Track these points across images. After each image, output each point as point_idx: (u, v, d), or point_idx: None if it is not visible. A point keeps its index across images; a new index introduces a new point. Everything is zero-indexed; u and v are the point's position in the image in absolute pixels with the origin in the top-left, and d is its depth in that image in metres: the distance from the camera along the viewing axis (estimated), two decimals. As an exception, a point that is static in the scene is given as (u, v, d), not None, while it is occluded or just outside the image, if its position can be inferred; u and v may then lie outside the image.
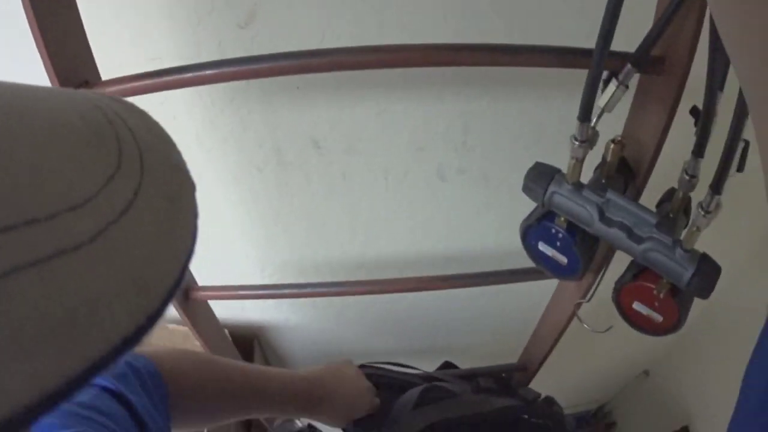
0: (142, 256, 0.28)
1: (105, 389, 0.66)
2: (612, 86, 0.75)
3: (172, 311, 1.14)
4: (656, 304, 0.89)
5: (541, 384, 1.47)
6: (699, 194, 0.79)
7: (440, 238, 1.51)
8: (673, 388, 2.30)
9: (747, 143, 0.70)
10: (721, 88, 0.70)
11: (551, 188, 0.83)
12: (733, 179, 0.73)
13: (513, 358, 1.53)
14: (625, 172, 0.89)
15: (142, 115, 0.37)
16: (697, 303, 0.89)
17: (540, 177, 0.84)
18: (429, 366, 1.50)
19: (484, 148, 1.26)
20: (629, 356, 2.40)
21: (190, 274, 1.16)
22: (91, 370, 0.25)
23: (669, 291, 0.86)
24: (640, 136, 0.86)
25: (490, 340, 2.00)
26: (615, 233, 0.82)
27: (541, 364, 1.41)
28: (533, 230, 0.92)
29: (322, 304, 1.75)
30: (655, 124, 0.83)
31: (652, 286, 0.87)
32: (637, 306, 0.92)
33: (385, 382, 1.26)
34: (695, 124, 0.74)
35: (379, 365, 1.31)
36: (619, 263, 0.96)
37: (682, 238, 0.79)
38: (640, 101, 0.87)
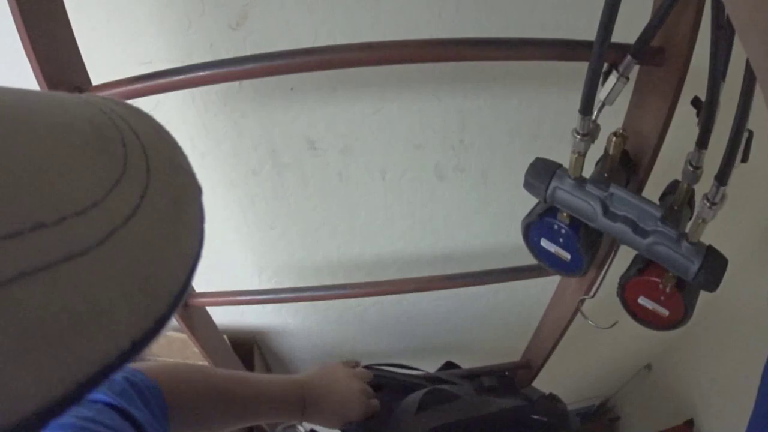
0: (149, 260, 0.28)
1: (108, 405, 0.66)
2: (612, 78, 0.74)
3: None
4: (662, 298, 0.88)
5: (544, 380, 1.47)
6: (699, 186, 0.79)
7: (439, 237, 1.50)
8: (676, 382, 2.29)
9: (751, 133, 0.69)
10: (723, 78, 0.69)
11: (553, 184, 0.82)
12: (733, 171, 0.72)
13: (515, 356, 1.52)
14: (626, 165, 0.87)
15: (148, 119, 0.37)
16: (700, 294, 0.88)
17: (541, 173, 0.83)
18: (431, 367, 1.49)
19: (481, 146, 1.25)
20: (631, 351, 2.39)
21: (188, 280, 1.14)
22: (101, 373, 0.25)
23: (675, 285, 0.85)
24: (642, 128, 0.85)
25: (492, 338, 1.99)
26: (619, 227, 0.81)
27: (544, 361, 1.40)
28: (535, 227, 0.91)
29: (321, 307, 1.73)
30: (657, 115, 0.82)
31: (658, 280, 0.86)
32: (642, 301, 0.91)
33: (388, 384, 1.25)
34: (697, 115, 0.73)
35: (381, 366, 1.30)
36: (620, 258, 0.96)
37: (687, 230, 0.78)
38: (640, 93, 0.86)
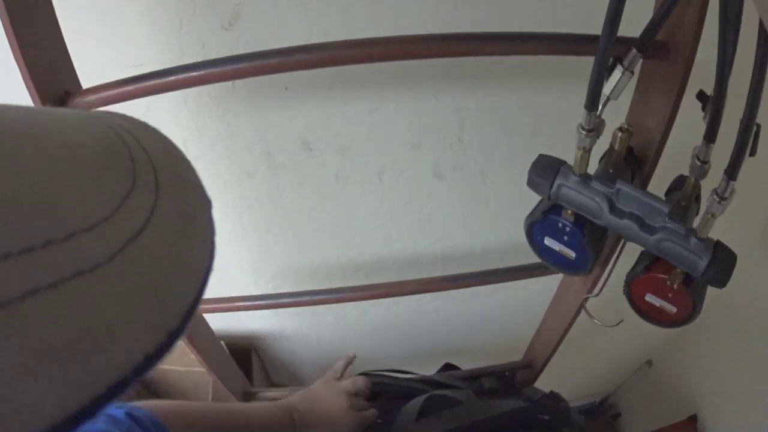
0: (160, 274, 0.29)
1: None
2: (617, 73, 0.72)
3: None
4: (670, 295, 0.87)
5: (544, 378, 1.46)
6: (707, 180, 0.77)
7: (438, 237, 1.48)
8: (678, 377, 2.29)
9: (758, 126, 0.68)
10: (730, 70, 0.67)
11: (558, 181, 0.80)
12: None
13: (517, 357, 1.51)
14: (630, 161, 0.86)
15: (155, 134, 0.37)
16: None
17: (546, 170, 0.81)
18: (431, 368, 1.48)
19: (480, 144, 1.24)
20: (632, 347, 2.39)
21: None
22: (115, 388, 0.25)
23: (682, 281, 0.84)
24: (646, 123, 0.84)
25: (493, 338, 1.98)
26: (626, 224, 0.79)
27: (546, 361, 1.39)
28: (539, 225, 0.89)
29: (319, 311, 1.72)
30: (662, 110, 0.81)
31: (665, 276, 0.84)
32: (649, 298, 0.89)
33: (386, 391, 1.24)
34: (703, 109, 0.72)
35: (379, 373, 1.29)
36: (623, 255, 0.94)
37: (694, 226, 0.77)
38: (645, 88, 0.84)
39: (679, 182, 0.86)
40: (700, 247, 0.76)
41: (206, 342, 1.27)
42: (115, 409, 0.76)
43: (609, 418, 2.76)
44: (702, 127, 0.72)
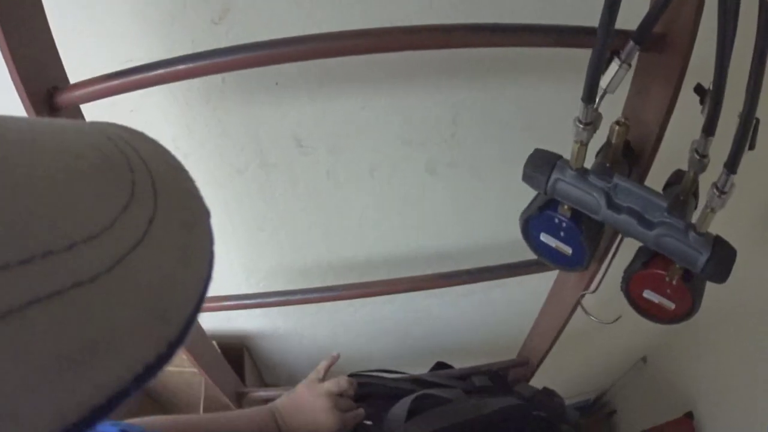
0: (160, 285, 0.29)
1: None
2: (614, 65, 0.71)
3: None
4: (668, 291, 0.86)
5: (537, 376, 1.46)
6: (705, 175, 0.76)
7: (432, 234, 1.48)
8: (673, 374, 2.29)
9: (757, 120, 0.67)
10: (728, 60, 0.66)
11: (554, 175, 0.79)
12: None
13: (512, 355, 1.51)
14: (627, 155, 0.85)
15: (154, 144, 0.37)
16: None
17: (542, 164, 0.80)
18: (425, 367, 1.47)
19: (474, 140, 1.22)
20: (626, 343, 2.39)
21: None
22: (115, 398, 0.25)
23: (681, 277, 0.83)
24: (643, 116, 0.83)
25: (487, 336, 1.98)
26: (624, 219, 0.78)
27: (542, 358, 1.38)
28: (535, 221, 0.89)
29: (312, 310, 1.71)
30: (659, 103, 0.80)
31: (664, 272, 0.84)
32: (648, 294, 0.89)
33: (375, 392, 1.24)
34: (701, 102, 0.71)
35: (368, 373, 1.28)
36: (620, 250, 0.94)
37: (694, 221, 0.76)
38: (642, 81, 0.83)
39: (676, 177, 0.86)
40: (700, 242, 0.76)
41: (198, 342, 1.26)
42: (110, 426, 0.76)
43: (604, 415, 2.77)
44: (696, 122, 0.71)
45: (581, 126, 0.73)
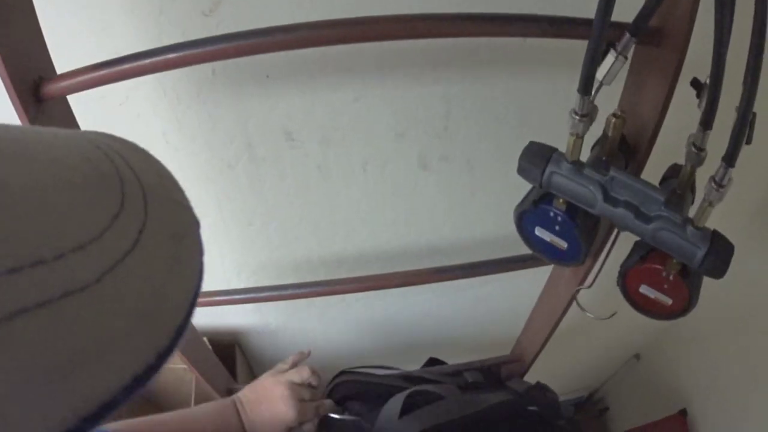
0: (149, 295, 0.29)
1: None
2: (610, 57, 0.70)
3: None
4: (665, 286, 0.86)
5: (531, 372, 1.46)
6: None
7: (424, 229, 1.47)
8: (666, 371, 2.30)
9: (754, 115, 0.66)
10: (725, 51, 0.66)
11: (549, 168, 0.78)
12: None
13: (505, 351, 1.50)
14: (623, 149, 0.84)
15: (144, 154, 0.38)
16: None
17: (537, 157, 0.79)
18: (418, 364, 1.47)
19: (467, 133, 1.22)
20: (619, 341, 2.40)
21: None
22: (104, 408, 0.25)
23: (678, 272, 0.82)
24: (640, 110, 0.83)
25: (481, 332, 1.97)
26: (621, 213, 0.77)
27: (536, 355, 1.38)
28: (529, 215, 0.88)
29: (303, 306, 1.70)
30: (655, 97, 0.79)
31: (661, 267, 0.83)
32: (644, 289, 0.88)
33: (368, 389, 1.24)
34: (697, 96, 0.70)
35: (360, 370, 1.27)
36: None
37: (692, 215, 0.75)
38: (638, 75, 0.83)
39: (673, 171, 0.85)
40: (698, 237, 0.75)
41: (189, 339, 1.25)
42: None
43: (597, 412, 2.78)
44: (693, 117, 0.71)
45: (577, 117, 0.72)
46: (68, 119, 0.83)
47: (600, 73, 0.70)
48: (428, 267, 1.18)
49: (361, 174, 1.27)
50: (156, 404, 2.00)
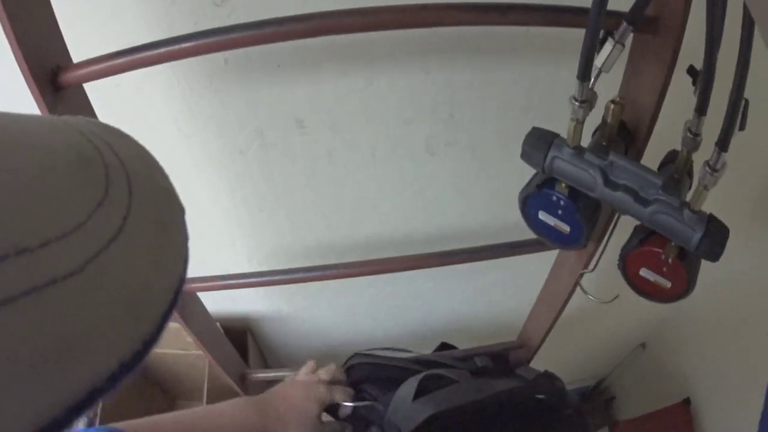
0: (134, 282, 0.29)
1: None
2: (608, 45, 0.72)
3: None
4: (664, 269, 0.87)
5: (538, 362, 1.46)
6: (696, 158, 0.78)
7: (432, 214, 1.49)
8: (671, 360, 2.30)
9: (747, 101, 0.68)
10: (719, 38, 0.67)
11: (551, 153, 0.80)
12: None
13: (512, 337, 1.51)
14: (623, 135, 0.86)
15: (129, 140, 0.37)
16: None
17: (539, 142, 0.81)
18: (427, 350, 1.48)
19: (472, 119, 1.23)
20: (625, 330, 2.40)
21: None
22: (89, 397, 0.26)
23: (677, 255, 0.84)
24: (638, 97, 0.84)
25: (488, 318, 1.99)
26: (620, 197, 0.79)
27: (543, 339, 1.39)
28: (533, 199, 0.89)
29: (314, 292, 1.72)
30: (653, 84, 0.81)
31: (660, 250, 0.85)
32: (644, 272, 0.89)
33: (382, 373, 1.25)
34: (693, 83, 0.72)
35: (373, 352, 1.29)
36: (617, 232, 0.95)
37: (688, 199, 0.77)
38: (636, 62, 0.85)
39: (671, 156, 0.87)
40: (694, 220, 0.77)
41: (202, 324, 1.28)
42: (95, 431, 0.78)
43: (603, 401, 2.78)
44: (691, 104, 0.72)
45: (577, 103, 0.74)
46: (85, 107, 0.84)
47: (599, 61, 0.72)
48: (436, 251, 1.19)
49: (370, 159, 1.29)
50: (169, 390, 2.04)
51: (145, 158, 0.37)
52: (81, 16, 0.94)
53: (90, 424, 1.44)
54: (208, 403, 1.67)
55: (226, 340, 1.48)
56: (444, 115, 1.21)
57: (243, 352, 1.71)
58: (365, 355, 1.29)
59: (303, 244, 1.51)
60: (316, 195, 1.37)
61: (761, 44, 0.58)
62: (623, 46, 0.72)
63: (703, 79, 0.69)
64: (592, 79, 0.73)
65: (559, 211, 0.88)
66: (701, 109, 0.71)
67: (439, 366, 1.29)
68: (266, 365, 2.01)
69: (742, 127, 0.70)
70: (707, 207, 0.77)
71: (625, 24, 0.71)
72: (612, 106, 0.78)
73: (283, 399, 1.08)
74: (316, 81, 1.12)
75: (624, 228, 0.93)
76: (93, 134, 0.34)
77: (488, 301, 1.92)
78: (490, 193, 1.44)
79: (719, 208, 0.80)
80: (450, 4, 0.72)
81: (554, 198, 0.86)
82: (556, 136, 0.82)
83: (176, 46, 0.73)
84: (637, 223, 0.86)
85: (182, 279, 0.34)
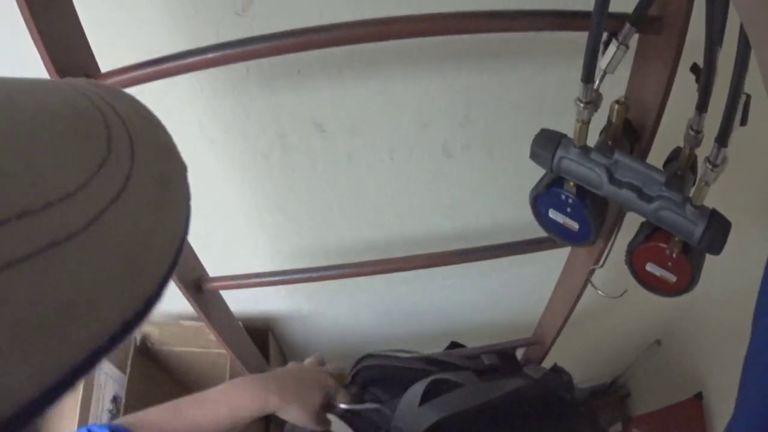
0: (136, 242, 0.29)
1: None
2: (612, 47, 0.75)
3: (184, 307, 1.14)
4: (669, 264, 0.90)
5: (557, 360, 1.48)
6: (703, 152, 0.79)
7: (449, 214, 1.51)
8: (685, 356, 2.30)
9: (748, 97, 0.70)
10: (720, 43, 0.70)
11: (559, 153, 0.83)
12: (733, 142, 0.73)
13: (527, 335, 1.53)
14: (629, 134, 0.88)
15: (130, 100, 0.37)
16: (706, 268, 0.89)
17: (547, 142, 0.84)
18: (442, 347, 1.50)
19: (487, 122, 1.26)
20: (640, 327, 2.41)
21: (201, 265, 1.17)
22: (92, 358, 0.25)
23: (681, 250, 0.87)
24: (643, 96, 0.86)
25: (504, 317, 2.01)
26: (625, 194, 0.82)
27: (556, 336, 1.41)
28: (542, 198, 0.92)
29: (334, 291, 1.75)
30: (657, 83, 0.83)
31: (665, 245, 0.87)
32: (650, 267, 0.92)
33: (390, 375, 1.28)
34: (696, 81, 0.74)
35: (382, 353, 1.31)
36: (629, 230, 0.97)
37: (691, 195, 0.79)
38: (641, 62, 0.87)
39: (676, 153, 0.88)
40: (696, 215, 0.79)
41: (224, 322, 1.30)
42: (98, 428, 0.81)
43: (619, 398, 2.78)
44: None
45: (581, 105, 0.77)
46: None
47: (603, 62, 0.75)
48: (452, 249, 1.21)
49: (389, 162, 1.32)
50: (190, 388, 2.05)
51: (146, 116, 0.37)
52: (106, 26, 0.97)
53: (113, 419, 1.47)
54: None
55: (248, 338, 1.50)
56: (460, 118, 1.24)
57: (264, 351, 1.75)
58: (375, 356, 1.31)
59: (324, 244, 1.54)
60: (337, 196, 1.40)
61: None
62: (627, 47, 0.74)
63: (703, 77, 0.71)
64: (597, 81, 0.76)
65: (568, 209, 0.91)
66: (702, 106, 0.74)
67: (447, 366, 1.31)
68: (286, 363, 2.03)
69: (743, 123, 0.72)
70: (724, 204, 0.80)
71: (628, 25, 0.73)
72: (616, 107, 0.81)
73: (291, 377, 1.10)
74: (335, 86, 1.15)
75: (634, 225, 0.95)
76: (94, 94, 0.34)
77: (504, 299, 1.94)
78: (506, 194, 1.47)
79: (733, 205, 0.82)
80: (462, 13, 0.75)
81: (563, 196, 0.89)
82: (563, 136, 0.85)
83: (201, 57, 0.77)
84: (644, 219, 0.88)
85: (184, 237, 0.34)
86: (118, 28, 1.00)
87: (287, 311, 1.83)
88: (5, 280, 0.22)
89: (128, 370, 1.61)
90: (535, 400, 1.26)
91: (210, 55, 0.77)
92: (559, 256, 1.23)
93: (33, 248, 0.23)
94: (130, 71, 0.79)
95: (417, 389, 1.17)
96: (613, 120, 0.82)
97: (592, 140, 0.85)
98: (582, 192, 0.88)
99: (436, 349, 1.48)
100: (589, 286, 1.16)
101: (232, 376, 1.69)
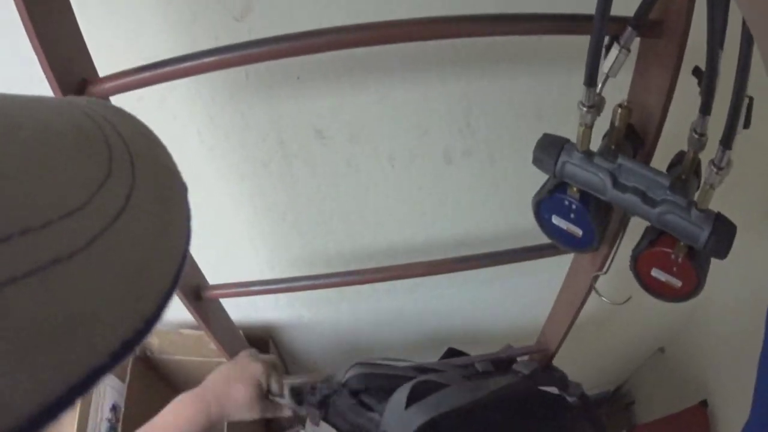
0: (137, 261, 0.29)
1: None
2: (614, 51, 0.74)
3: (184, 315, 1.14)
4: (674, 269, 0.88)
5: (560, 367, 1.47)
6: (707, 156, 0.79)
7: (450, 221, 1.50)
8: (690, 363, 2.29)
9: (751, 99, 0.70)
10: (721, 46, 0.69)
11: (562, 158, 0.83)
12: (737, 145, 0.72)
13: (530, 343, 1.52)
14: (633, 138, 0.88)
15: (132, 119, 0.37)
16: (709, 274, 0.88)
17: (550, 147, 0.84)
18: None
19: (488, 128, 1.25)
20: (644, 335, 2.40)
21: (200, 272, 1.16)
22: (92, 376, 0.25)
23: (686, 255, 0.86)
24: (646, 100, 0.86)
25: (507, 325, 2.00)
26: (629, 199, 0.81)
27: (560, 343, 1.40)
28: (545, 203, 0.92)
29: (334, 299, 1.74)
30: (660, 86, 0.83)
31: (670, 250, 0.86)
32: (655, 273, 0.91)
33: (379, 383, 1.26)
34: (699, 84, 0.74)
35: (371, 361, 1.31)
36: (632, 236, 0.96)
37: (696, 198, 0.79)
38: (643, 66, 0.86)
39: (680, 157, 0.88)
40: (701, 219, 0.78)
41: (225, 331, 1.29)
42: None
43: (623, 406, 2.77)
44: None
45: (584, 109, 0.77)
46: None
47: (606, 66, 0.75)
48: (454, 256, 1.20)
49: (389, 169, 1.31)
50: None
51: (148, 136, 0.37)
52: (105, 31, 0.97)
53: (112, 429, 1.46)
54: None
55: (248, 347, 1.49)
56: (460, 124, 1.24)
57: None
58: (363, 364, 1.30)
59: (324, 251, 1.53)
60: (337, 204, 1.39)
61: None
62: (629, 50, 0.74)
63: (705, 81, 0.71)
64: (599, 85, 0.75)
65: (572, 215, 0.90)
66: (705, 109, 0.73)
67: (431, 373, 1.29)
68: (287, 372, 2.03)
69: (746, 126, 0.71)
70: (728, 207, 0.79)
71: (629, 29, 0.73)
72: (619, 110, 0.80)
73: (222, 380, 1.13)
74: (334, 93, 1.14)
75: (638, 230, 0.94)
76: (96, 113, 0.34)
77: (508, 308, 1.93)
78: (507, 200, 1.46)
79: (737, 208, 0.81)
80: (462, 16, 0.75)
81: (566, 202, 0.89)
82: (566, 141, 0.84)
83: (199, 61, 0.76)
84: (648, 224, 0.88)
85: (185, 256, 0.34)
86: (116, 34, 0.99)
87: (287, 319, 1.82)
88: (8, 296, 0.22)
89: (128, 378, 1.60)
90: (531, 400, 1.25)
91: (208, 59, 0.76)
92: (562, 262, 1.22)
93: (35, 265, 0.24)
94: (128, 75, 0.79)
95: (402, 392, 1.16)
96: (616, 124, 0.82)
97: (595, 145, 0.84)
98: (585, 197, 0.87)
99: (438, 356, 1.47)
100: (592, 292, 1.15)
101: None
